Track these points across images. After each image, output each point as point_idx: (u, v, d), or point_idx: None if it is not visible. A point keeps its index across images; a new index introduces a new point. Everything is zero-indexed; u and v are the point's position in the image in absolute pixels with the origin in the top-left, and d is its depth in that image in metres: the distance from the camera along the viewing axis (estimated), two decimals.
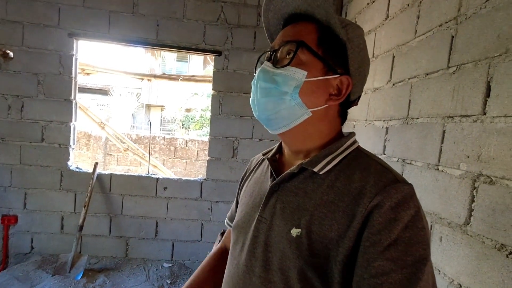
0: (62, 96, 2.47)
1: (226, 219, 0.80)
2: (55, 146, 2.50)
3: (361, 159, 0.55)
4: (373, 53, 1.79)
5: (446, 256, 1.09)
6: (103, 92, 11.27)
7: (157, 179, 2.63)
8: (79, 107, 2.88)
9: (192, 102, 11.11)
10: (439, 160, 1.16)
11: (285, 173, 0.57)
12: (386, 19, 1.67)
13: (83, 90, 9.10)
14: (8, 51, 2.35)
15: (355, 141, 0.59)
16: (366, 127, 1.80)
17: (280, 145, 0.67)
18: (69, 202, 2.55)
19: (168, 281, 2.30)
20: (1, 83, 2.40)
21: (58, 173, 2.52)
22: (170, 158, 6.92)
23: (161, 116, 12.13)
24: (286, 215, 0.54)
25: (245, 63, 2.57)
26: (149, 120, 7.05)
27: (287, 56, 0.54)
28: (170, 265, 2.53)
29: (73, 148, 2.60)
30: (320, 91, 0.55)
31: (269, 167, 0.63)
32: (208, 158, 2.66)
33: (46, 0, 2.38)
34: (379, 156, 1.47)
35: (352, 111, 2.03)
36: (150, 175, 2.69)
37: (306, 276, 0.48)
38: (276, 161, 0.65)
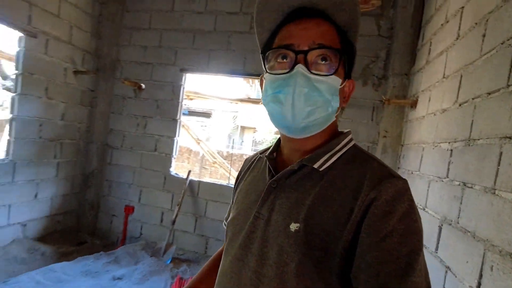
0: (171, 116, 3.18)
1: (225, 220, 0.79)
2: (162, 155, 3.20)
3: (358, 156, 0.56)
4: (444, 74, 1.72)
5: (495, 286, 0.99)
6: (207, 115, 13.08)
7: None
8: (182, 125, 3.61)
9: None
10: (495, 183, 1.08)
11: (285, 170, 0.58)
12: (456, 39, 1.62)
13: (192, 113, 10.82)
14: (141, 84, 3.22)
15: (351, 139, 0.60)
16: (433, 149, 1.71)
17: (278, 143, 0.67)
18: (168, 200, 3.18)
19: None
20: (134, 107, 3.28)
21: (163, 176, 3.20)
22: None
23: (253, 137, 13.15)
24: (284, 210, 0.54)
25: None
26: (233, 139, 7.83)
27: (323, 62, 0.53)
28: None
29: (174, 158, 3.26)
30: (341, 96, 0.57)
31: (267, 165, 0.63)
32: None
33: (168, 46, 3.18)
34: (442, 180, 1.42)
35: (421, 134, 1.94)
36: (230, 185, 3.10)
37: (304, 270, 0.49)
38: (274, 159, 0.65)
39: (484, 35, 1.33)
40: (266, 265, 0.52)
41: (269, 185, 0.58)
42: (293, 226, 0.51)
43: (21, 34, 2.46)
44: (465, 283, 1.17)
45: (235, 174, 5.40)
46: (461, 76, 1.50)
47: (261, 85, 0.63)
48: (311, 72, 0.52)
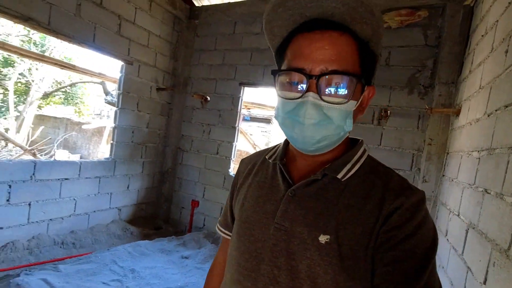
0: (230, 124, 3.68)
1: (219, 225, 0.77)
2: (223, 158, 3.71)
3: (377, 167, 0.57)
4: (480, 84, 1.77)
5: (494, 280, 1.12)
6: (267, 121, 13.66)
7: None
8: (240, 131, 4.09)
9: None
10: (502, 189, 1.19)
11: (307, 179, 0.56)
12: (491, 51, 1.68)
13: (253, 119, 11.47)
14: (207, 97, 3.80)
15: (365, 150, 0.61)
16: (468, 157, 1.77)
17: (285, 147, 0.65)
18: (226, 197, 3.65)
19: None
20: (201, 117, 3.88)
21: (223, 176, 3.70)
22: None
23: None
24: (309, 221, 0.53)
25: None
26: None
27: (336, 88, 0.50)
28: None
29: (233, 160, 3.74)
30: (356, 111, 0.55)
31: (279, 171, 0.62)
32: None
33: (229, 64, 3.70)
34: (471, 187, 1.53)
35: (461, 142, 1.98)
36: None
37: (339, 280, 0.49)
38: (285, 165, 0.62)
39: (506, 51, 1.41)
40: (299, 279, 0.51)
41: (287, 194, 0.56)
42: (323, 238, 0.50)
43: (122, 63, 3.24)
44: (477, 280, 1.29)
45: None
46: (491, 88, 1.57)
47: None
48: (323, 100, 0.49)
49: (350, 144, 0.61)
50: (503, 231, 1.11)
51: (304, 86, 0.50)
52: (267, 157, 0.67)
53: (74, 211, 2.98)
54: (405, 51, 2.73)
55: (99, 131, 8.67)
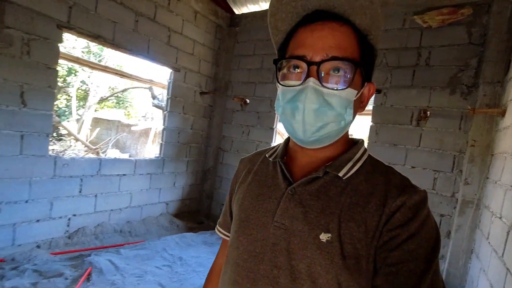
0: (268, 125, 3.85)
1: (218, 226, 0.76)
2: None
3: (378, 165, 0.56)
4: None
5: None
6: None
7: None
8: (278, 132, 4.25)
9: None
10: (500, 179, 1.20)
11: (308, 177, 0.55)
12: None
13: None
14: (247, 100, 4.01)
15: (366, 149, 0.60)
16: None
17: (286, 146, 0.65)
18: None
19: None
20: (240, 118, 4.11)
21: None
22: None
23: None
24: (310, 220, 0.52)
25: (402, 99, 2.90)
26: None
27: (337, 73, 0.50)
28: None
29: None
30: (358, 103, 0.55)
31: (279, 169, 0.61)
32: None
33: (267, 68, 3.88)
34: (506, 184, 1.53)
35: (505, 143, 1.93)
36: None
37: (339, 280, 0.48)
38: (286, 163, 0.62)
39: None
40: (299, 280, 0.50)
41: (287, 192, 0.56)
42: (324, 236, 0.50)
43: (170, 70, 3.58)
44: None
45: None
46: None
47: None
48: (323, 86, 0.50)
49: (351, 144, 0.60)
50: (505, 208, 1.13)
51: (305, 73, 0.51)
52: (267, 156, 0.66)
53: (130, 203, 3.37)
54: (446, 50, 2.67)
55: (145, 132, 9.41)
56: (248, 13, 4.12)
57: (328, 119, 0.51)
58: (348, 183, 0.53)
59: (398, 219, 0.48)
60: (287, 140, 0.66)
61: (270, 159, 0.65)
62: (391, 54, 2.96)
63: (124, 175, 3.24)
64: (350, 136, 0.62)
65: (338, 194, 0.53)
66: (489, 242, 1.87)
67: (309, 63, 0.50)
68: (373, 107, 3.09)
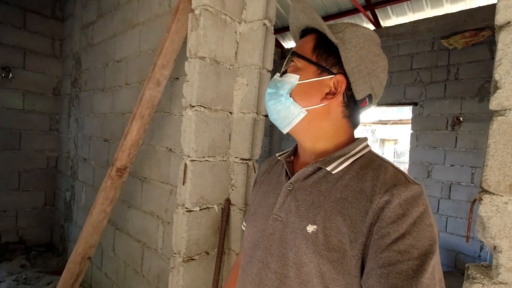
0: None
1: (243, 222, 0.80)
2: None
3: (374, 161, 0.56)
4: None
5: None
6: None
7: None
8: None
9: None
10: None
11: (299, 171, 0.59)
12: None
13: None
14: None
15: (367, 145, 0.60)
16: None
17: (296, 147, 0.69)
18: None
19: None
20: None
21: None
22: None
23: (394, 149, 12.98)
24: (301, 213, 0.55)
25: (437, 109, 3.45)
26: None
27: (291, 64, 0.61)
28: None
29: None
30: (313, 91, 0.58)
31: (284, 167, 0.65)
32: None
33: None
34: None
35: None
36: None
37: (323, 270, 0.50)
38: (291, 162, 0.67)
39: None
40: (286, 266, 0.54)
41: (285, 187, 0.60)
42: (310, 228, 0.52)
43: None
44: None
45: None
46: None
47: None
48: (280, 76, 0.62)
49: (352, 142, 0.61)
50: None
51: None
52: (277, 156, 0.71)
53: None
54: (472, 66, 3.21)
55: None
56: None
57: (273, 98, 0.61)
58: (339, 178, 0.55)
59: (388, 216, 0.47)
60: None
61: (279, 158, 0.69)
62: (424, 73, 3.55)
63: None
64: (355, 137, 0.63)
65: (328, 189, 0.55)
66: None
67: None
68: (412, 117, 3.67)
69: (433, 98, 3.48)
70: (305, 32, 0.63)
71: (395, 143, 13.02)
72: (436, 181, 3.42)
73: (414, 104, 3.62)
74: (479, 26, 3.15)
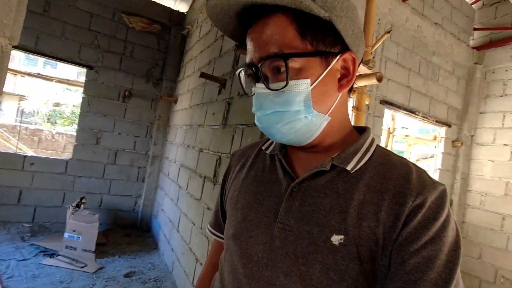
0: None
1: (209, 226, 0.69)
2: None
3: (390, 157, 0.50)
4: (187, 88, 3.18)
5: (205, 194, 2.51)
6: None
7: (25, 156, 3.26)
8: None
9: (63, 97, 10.60)
10: (194, 143, 2.59)
11: (313, 171, 0.49)
12: (193, 72, 3.09)
13: None
14: None
15: (374, 138, 0.54)
16: (180, 129, 3.15)
17: None
18: None
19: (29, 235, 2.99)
20: None
21: None
22: (32, 148, 6.76)
23: (19, 106, 10.80)
24: (319, 220, 0.46)
25: (111, 79, 3.57)
26: None
27: (277, 72, 0.47)
28: (31, 225, 3.19)
29: None
30: (328, 88, 0.48)
31: (278, 163, 0.55)
32: (75, 143, 3.48)
33: None
34: (181, 145, 2.84)
35: (176, 120, 3.39)
36: (18, 153, 3.26)
37: (356, 286, 0.43)
38: (286, 156, 0.56)
39: (204, 83, 2.83)
40: (310, 287, 0.45)
41: (290, 188, 0.50)
42: (336, 238, 0.44)
43: None
44: (189, 192, 2.65)
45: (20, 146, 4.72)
46: (192, 93, 2.97)
47: None
48: (269, 88, 0.47)
49: (356, 132, 0.55)
50: (194, 164, 2.50)
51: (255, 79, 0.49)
52: (263, 148, 0.60)
53: None
54: (145, 50, 3.71)
55: None
56: None
57: (287, 118, 0.48)
58: (357, 177, 0.48)
59: (418, 220, 0.42)
60: None
61: (266, 152, 0.59)
62: (103, 39, 3.50)
63: None
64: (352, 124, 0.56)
65: (348, 190, 0.47)
66: (169, 177, 3.23)
67: (253, 68, 0.49)
68: (85, 81, 3.48)
69: (109, 67, 3.55)
70: (248, 12, 0.47)
71: (20, 100, 10.78)
72: (104, 147, 3.57)
73: (90, 67, 3.46)
74: (154, 18, 3.71)
